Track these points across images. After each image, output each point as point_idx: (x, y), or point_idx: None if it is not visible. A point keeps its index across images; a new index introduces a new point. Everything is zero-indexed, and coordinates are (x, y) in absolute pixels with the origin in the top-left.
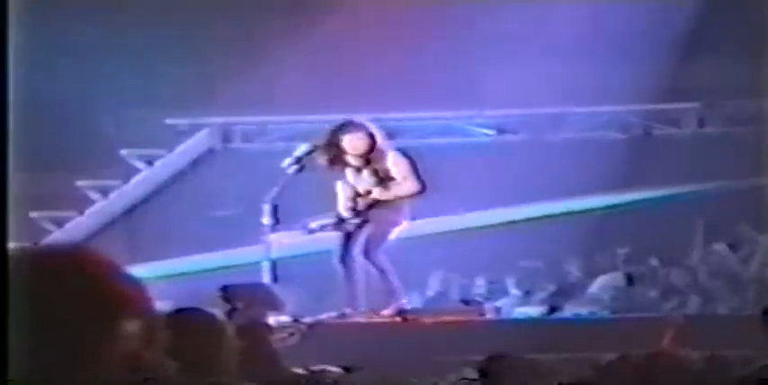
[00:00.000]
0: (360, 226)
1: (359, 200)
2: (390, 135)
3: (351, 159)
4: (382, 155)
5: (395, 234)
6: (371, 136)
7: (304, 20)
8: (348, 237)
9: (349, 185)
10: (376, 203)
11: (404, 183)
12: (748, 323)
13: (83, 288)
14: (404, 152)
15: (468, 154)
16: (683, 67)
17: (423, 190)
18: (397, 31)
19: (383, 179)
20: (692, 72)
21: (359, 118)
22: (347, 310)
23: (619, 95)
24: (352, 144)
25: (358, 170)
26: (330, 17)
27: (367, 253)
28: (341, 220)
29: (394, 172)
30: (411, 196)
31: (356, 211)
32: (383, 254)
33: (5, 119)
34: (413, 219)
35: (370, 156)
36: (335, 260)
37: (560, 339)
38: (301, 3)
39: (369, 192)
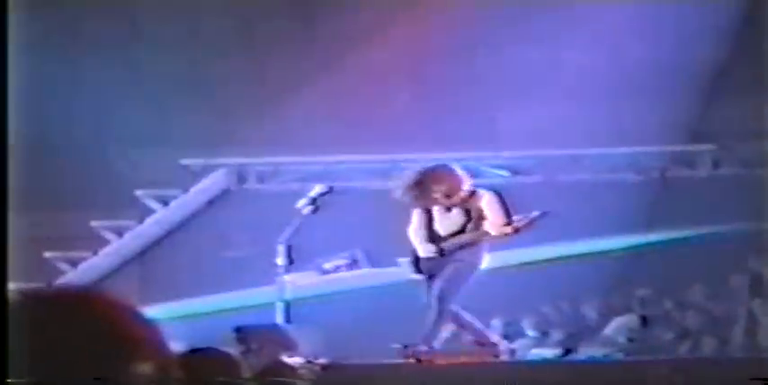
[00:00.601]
0: (444, 267)
1: (447, 241)
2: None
3: (440, 199)
4: (475, 195)
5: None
6: (457, 177)
7: (319, 60)
8: (431, 278)
9: (424, 227)
10: (460, 248)
11: (497, 223)
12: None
13: (97, 330)
14: (498, 193)
15: None
16: (698, 109)
17: (517, 231)
18: (413, 73)
19: (475, 219)
20: (707, 114)
21: (445, 161)
22: (421, 347)
23: (634, 137)
24: (438, 184)
25: (448, 209)
26: (345, 58)
27: (442, 294)
28: (416, 259)
29: (487, 212)
30: (505, 236)
31: (440, 252)
32: (456, 304)
33: (5, 158)
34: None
35: (461, 196)
36: (432, 303)
37: (575, 381)
38: (317, 44)
39: (456, 233)
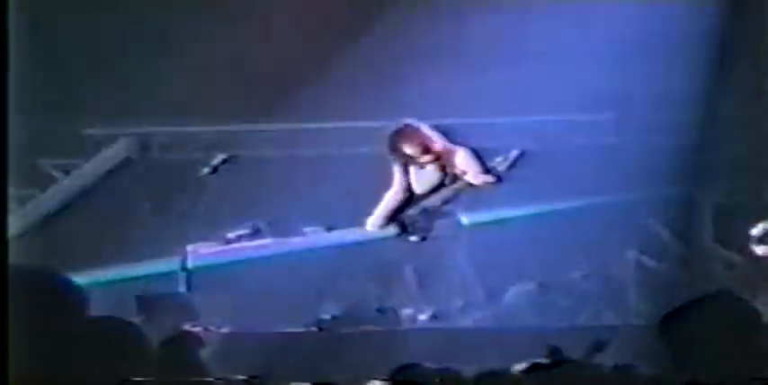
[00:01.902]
0: (428, 230)
1: (432, 197)
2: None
3: (418, 159)
4: (449, 151)
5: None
6: (424, 134)
7: (227, 21)
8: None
9: (405, 189)
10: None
11: (478, 173)
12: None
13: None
14: (473, 149)
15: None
16: (600, 76)
17: (496, 179)
18: (320, 35)
19: (451, 174)
20: (609, 82)
21: (413, 121)
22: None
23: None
24: (410, 145)
25: (422, 168)
26: (250, 26)
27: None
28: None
29: (464, 165)
30: (488, 185)
31: (423, 210)
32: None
33: None
34: (329, 229)
35: (436, 153)
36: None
37: (477, 349)
38: (220, 13)
39: (440, 187)
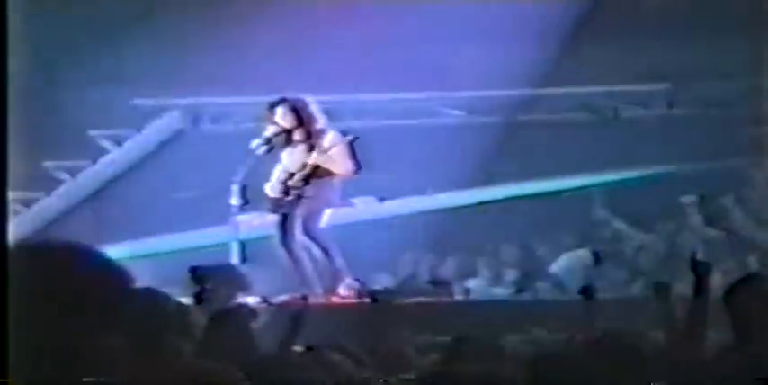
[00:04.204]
0: (295, 204)
1: (295, 176)
2: (357, 116)
3: (294, 136)
4: (321, 133)
5: (329, 214)
6: (295, 110)
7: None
8: (285, 218)
9: (283, 167)
10: (309, 181)
11: (340, 160)
12: None
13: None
14: (343, 132)
15: (437, 135)
16: (654, 48)
17: (357, 170)
18: (364, 11)
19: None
20: (663, 54)
21: (291, 94)
22: (305, 292)
23: (590, 77)
24: (282, 118)
25: (294, 147)
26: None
27: (307, 230)
28: (275, 202)
29: (332, 150)
30: (345, 176)
31: (288, 189)
32: (324, 233)
33: None
34: (381, 200)
35: (309, 133)
36: (277, 243)
37: (528, 320)
38: None
39: (303, 166)
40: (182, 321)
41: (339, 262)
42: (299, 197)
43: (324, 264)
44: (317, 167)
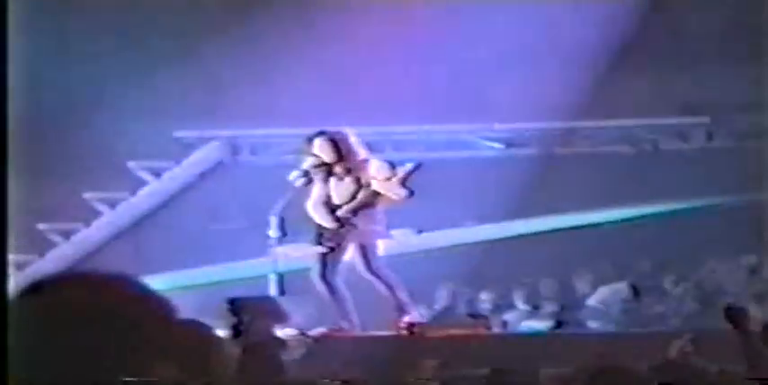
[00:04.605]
0: (345, 237)
1: (343, 208)
2: (398, 148)
3: (335, 169)
4: (364, 163)
5: (383, 246)
6: (334, 142)
7: (310, 32)
8: (331, 251)
9: (322, 201)
10: (355, 215)
11: (395, 187)
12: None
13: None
14: (388, 161)
15: (476, 167)
16: (692, 81)
17: (411, 195)
18: (405, 44)
19: (365, 185)
20: (702, 86)
21: (331, 128)
22: (344, 325)
23: (629, 110)
24: (320, 151)
25: (340, 179)
26: (336, 29)
27: (369, 267)
28: (320, 235)
29: (374, 174)
30: (397, 201)
31: (337, 221)
32: (386, 268)
33: (5, 128)
34: (419, 232)
35: (350, 165)
36: (315, 277)
37: (565, 353)
38: (307, 17)
39: (353, 198)
40: (219, 352)
41: (404, 296)
42: (354, 228)
43: (388, 299)
44: (368, 198)
